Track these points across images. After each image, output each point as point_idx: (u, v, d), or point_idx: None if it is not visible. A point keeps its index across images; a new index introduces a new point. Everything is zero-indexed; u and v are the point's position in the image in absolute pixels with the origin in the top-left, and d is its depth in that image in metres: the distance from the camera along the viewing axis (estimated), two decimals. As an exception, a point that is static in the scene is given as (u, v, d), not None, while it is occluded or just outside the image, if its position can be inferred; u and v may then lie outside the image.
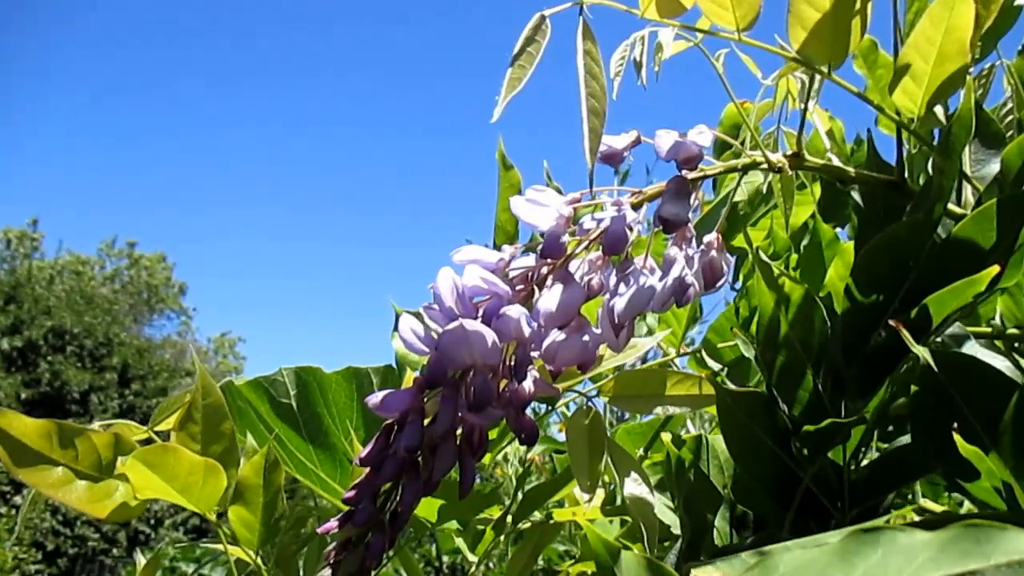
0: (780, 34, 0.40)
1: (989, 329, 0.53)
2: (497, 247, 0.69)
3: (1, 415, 0.40)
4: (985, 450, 0.35)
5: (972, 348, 0.46)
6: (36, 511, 9.85)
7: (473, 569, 0.57)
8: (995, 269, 0.33)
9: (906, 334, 0.33)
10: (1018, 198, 0.35)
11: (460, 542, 0.60)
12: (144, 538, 11.08)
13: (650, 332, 0.76)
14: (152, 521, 11.21)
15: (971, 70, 0.48)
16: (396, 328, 0.63)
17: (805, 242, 0.62)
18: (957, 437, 0.31)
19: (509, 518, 0.61)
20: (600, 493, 0.70)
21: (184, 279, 16.69)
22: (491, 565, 1.27)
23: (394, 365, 0.61)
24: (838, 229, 0.67)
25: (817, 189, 0.64)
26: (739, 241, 0.68)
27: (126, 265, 15.57)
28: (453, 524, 0.59)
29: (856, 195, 0.43)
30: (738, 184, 0.45)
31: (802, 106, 0.44)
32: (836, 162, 0.45)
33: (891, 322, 0.33)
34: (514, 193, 0.72)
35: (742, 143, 0.50)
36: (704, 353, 0.54)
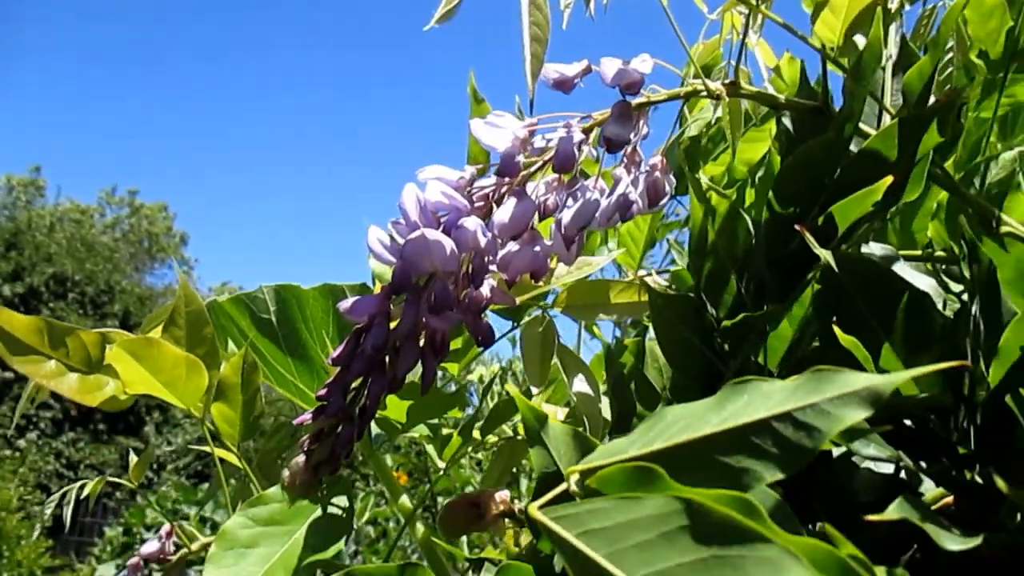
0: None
1: (919, 252, 0.57)
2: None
3: (-6, 310, 0.44)
4: (880, 343, 0.40)
5: (901, 267, 0.50)
6: (40, 455, 10.03)
7: (440, 474, 0.62)
8: (888, 179, 0.37)
9: (809, 237, 0.37)
10: (915, 118, 0.38)
11: (430, 448, 0.65)
12: (147, 482, 11.28)
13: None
14: (155, 466, 11.40)
15: (907, 8, 0.51)
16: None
17: (760, 173, 0.66)
18: (836, 328, 0.35)
19: (477, 431, 0.65)
20: (565, 410, 0.75)
21: (185, 229, 16.72)
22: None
23: (369, 284, 0.65)
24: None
25: (774, 125, 0.68)
26: (708, 171, 0.72)
27: (127, 214, 15.59)
28: (424, 431, 0.63)
29: (787, 121, 0.46)
30: (679, 118, 0.48)
31: (740, 38, 0.47)
32: (771, 90, 0.48)
33: (796, 227, 0.37)
34: (486, 126, 0.75)
35: (688, 75, 0.54)
36: (656, 276, 0.58)
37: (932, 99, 0.44)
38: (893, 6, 0.49)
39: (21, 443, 10.25)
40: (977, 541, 0.29)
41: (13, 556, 5.26)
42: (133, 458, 0.59)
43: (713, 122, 0.63)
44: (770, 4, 0.51)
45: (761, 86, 0.59)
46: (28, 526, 5.39)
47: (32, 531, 5.40)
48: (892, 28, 0.49)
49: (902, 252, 0.53)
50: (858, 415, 0.25)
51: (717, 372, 0.44)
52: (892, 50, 0.48)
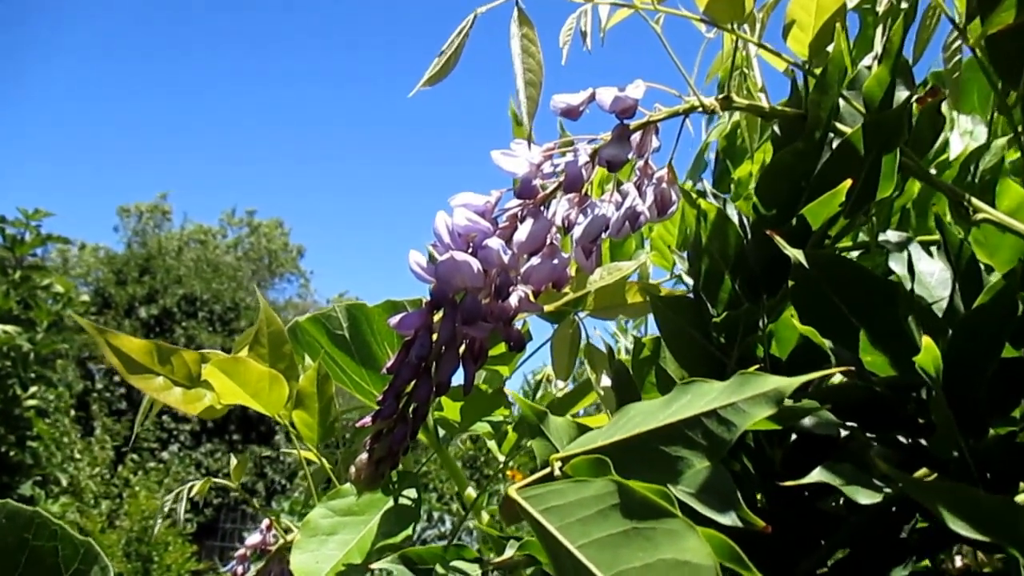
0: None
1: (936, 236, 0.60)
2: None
3: (114, 336, 0.54)
4: (856, 328, 0.43)
5: (913, 249, 0.53)
6: (183, 466, 10.70)
7: (501, 466, 0.69)
8: (848, 183, 0.41)
9: (779, 240, 0.42)
10: (876, 122, 0.42)
11: (492, 444, 0.71)
12: (281, 488, 11.87)
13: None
14: (287, 473, 11.97)
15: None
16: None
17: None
18: (794, 320, 0.39)
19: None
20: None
21: (301, 242, 17.38)
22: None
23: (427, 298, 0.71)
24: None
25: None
26: (736, 173, 0.76)
27: (246, 233, 16.38)
28: (486, 427, 0.70)
29: (776, 127, 0.50)
30: (679, 133, 0.53)
31: (735, 54, 0.51)
32: (763, 100, 0.52)
33: (767, 232, 0.42)
34: (528, 144, 0.81)
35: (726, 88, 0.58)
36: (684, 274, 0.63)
37: (913, 97, 0.47)
38: (881, 8, 0.52)
39: (164, 455, 10.97)
40: (879, 497, 0.33)
41: (163, 560, 5.66)
42: (233, 461, 0.67)
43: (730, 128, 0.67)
44: (767, 17, 0.55)
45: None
46: (175, 533, 5.78)
47: (178, 538, 5.79)
48: (878, 30, 0.52)
49: (920, 239, 0.56)
50: (765, 412, 0.30)
51: (720, 363, 0.49)
52: (878, 48, 0.52)
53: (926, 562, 0.50)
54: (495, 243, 0.51)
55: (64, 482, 6.30)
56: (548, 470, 0.35)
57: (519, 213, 0.55)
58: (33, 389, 5.39)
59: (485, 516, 0.66)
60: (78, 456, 7.67)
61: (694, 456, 0.31)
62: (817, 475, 0.34)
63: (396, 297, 0.70)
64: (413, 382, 0.55)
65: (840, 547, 0.49)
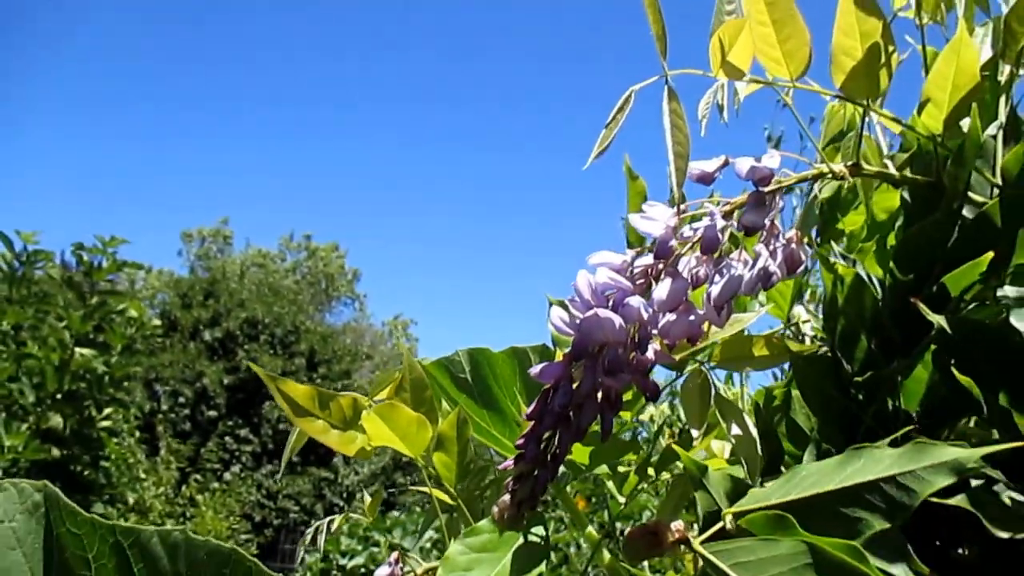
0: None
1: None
2: (630, 243, 0.83)
3: (283, 383, 0.59)
4: (996, 387, 0.46)
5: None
6: (245, 487, 10.91)
7: (622, 508, 0.72)
8: (990, 255, 0.44)
9: (923, 307, 0.45)
10: (1014, 196, 0.45)
11: (610, 484, 0.75)
12: (339, 510, 12.01)
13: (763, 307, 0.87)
14: (345, 495, 12.12)
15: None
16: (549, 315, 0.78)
17: (899, 223, 0.72)
18: (955, 371, 0.42)
19: (651, 468, 0.74)
20: (728, 446, 0.83)
21: (356, 265, 17.63)
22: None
23: (549, 344, 0.75)
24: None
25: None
26: (844, 224, 0.78)
27: (304, 257, 16.70)
28: (604, 469, 0.73)
29: (905, 193, 0.53)
30: (808, 197, 0.56)
31: (859, 122, 0.54)
32: (891, 167, 0.55)
33: (912, 299, 0.45)
34: (640, 200, 0.85)
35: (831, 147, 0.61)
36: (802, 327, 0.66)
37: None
38: (1003, 78, 0.55)
39: (227, 475, 11.19)
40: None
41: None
42: (367, 499, 0.72)
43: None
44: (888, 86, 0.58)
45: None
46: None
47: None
48: (1002, 99, 0.55)
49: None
50: (945, 481, 0.33)
51: (856, 418, 0.51)
52: (1002, 118, 0.54)
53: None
54: (636, 301, 0.55)
55: (131, 501, 6.47)
56: (721, 525, 0.39)
57: (651, 269, 0.59)
58: (108, 411, 5.56)
59: (607, 555, 0.69)
60: (143, 476, 7.86)
61: (873, 518, 0.34)
62: (962, 501, 0.37)
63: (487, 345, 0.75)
64: (552, 429, 0.59)
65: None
